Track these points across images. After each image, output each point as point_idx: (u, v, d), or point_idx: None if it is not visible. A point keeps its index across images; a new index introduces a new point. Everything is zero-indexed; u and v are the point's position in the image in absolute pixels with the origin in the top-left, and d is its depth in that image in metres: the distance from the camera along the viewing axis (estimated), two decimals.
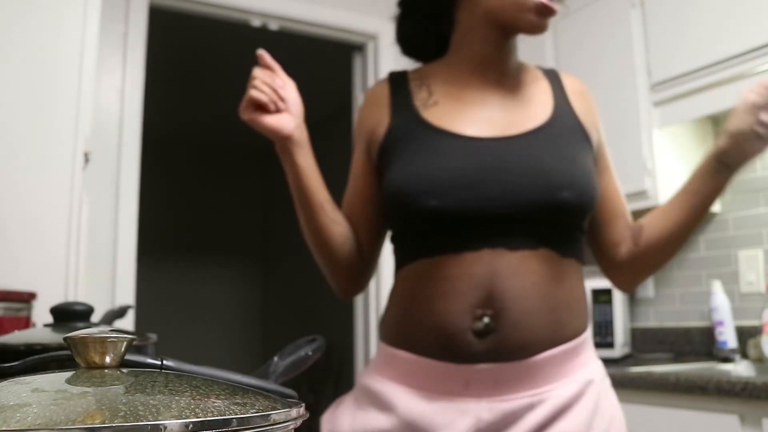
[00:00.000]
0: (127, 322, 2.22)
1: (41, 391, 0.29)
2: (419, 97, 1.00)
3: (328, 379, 4.92)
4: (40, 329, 0.62)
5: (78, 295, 1.35)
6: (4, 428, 0.25)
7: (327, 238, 0.98)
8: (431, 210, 0.88)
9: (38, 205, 1.33)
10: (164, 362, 0.40)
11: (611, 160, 1.08)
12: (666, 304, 2.47)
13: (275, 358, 0.51)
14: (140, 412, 0.27)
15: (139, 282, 2.43)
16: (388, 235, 1.04)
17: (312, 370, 4.63)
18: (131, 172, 2.36)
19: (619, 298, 2.33)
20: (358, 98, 2.94)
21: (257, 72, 0.91)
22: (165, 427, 0.26)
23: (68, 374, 0.32)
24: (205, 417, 0.28)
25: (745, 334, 2.14)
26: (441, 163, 0.91)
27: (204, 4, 2.60)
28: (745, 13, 1.92)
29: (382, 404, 0.92)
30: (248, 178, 6.08)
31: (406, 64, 1.11)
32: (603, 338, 2.32)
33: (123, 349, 0.34)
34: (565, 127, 0.97)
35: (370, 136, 1.02)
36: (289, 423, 0.31)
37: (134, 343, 0.35)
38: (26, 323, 1.11)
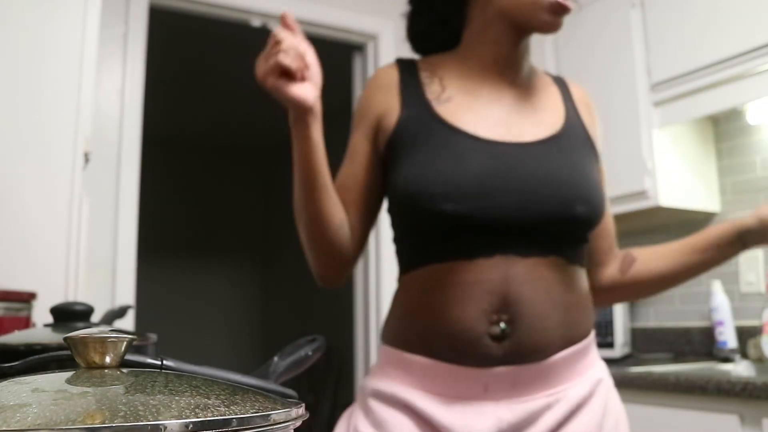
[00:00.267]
0: (127, 322, 2.22)
1: (41, 391, 0.29)
2: (432, 90, 0.97)
3: (328, 379, 4.92)
4: (40, 329, 0.62)
5: (78, 295, 1.35)
6: (4, 428, 0.25)
7: (327, 221, 0.93)
8: (448, 214, 0.87)
9: (38, 205, 1.33)
10: (164, 362, 0.40)
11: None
12: (666, 304, 2.47)
13: (275, 358, 0.51)
14: (140, 412, 0.27)
15: (139, 282, 2.43)
16: (389, 236, 1.02)
17: (312, 370, 4.63)
18: (131, 172, 2.36)
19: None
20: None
21: (284, 35, 0.82)
22: (165, 427, 0.26)
23: (68, 374, 0.32)
24: (205, 417, 0.28)
25: (745, 334, 2.14)
26: (460, 166, 0.88)
27: (204, 4, 2.60)
28: (745, 13, 1.92)
29: (401, 406, 0.90)
30: (248, 178, 6.08)
31: None
32: (603, 338, 2.32)
33: (123, 349, 0.34)
34: (577, 138, 0.97)
35: (376, 122, 0.98)
36: (289, 423, 0.31)
37: (134, 343, 0.35)
38: (26, 323, 1.11)
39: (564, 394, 0.90)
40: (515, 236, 0.88)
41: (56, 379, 0.31)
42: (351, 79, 3.04)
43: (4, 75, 1.34)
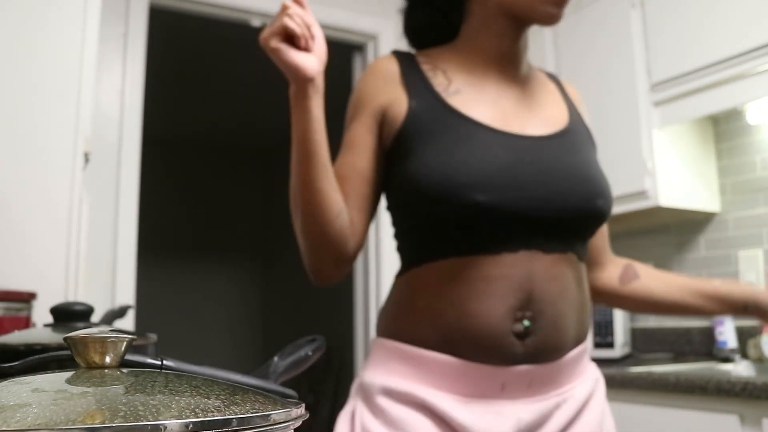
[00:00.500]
0: (127, 322, 2.22)
1: (41, 391, 0.29)
2: (438, 83, 0.94)
3: (328, 379, 4.93)
4: (40, 329, 0.62)
5: (78, 295, 1.35)
6: (4, 428, 0.25)
7: (324, 206, 0.87)
8: (477, 206, 0.83)
9: (38, 205, 1.33)
10: (164, 362, 0.40)
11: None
12: None
13: (275, 358, 0.51)
14: (140, 412, 0.27)
15: (139, 282, 2.43)
16: (390, 232, 1.00)
17: (312, 370, 4.63)
18: (131, 172, 2.36)
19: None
20: None
21: (290, 3, 0.82)
22: (165, 427, 0.26)
23: (68, 374, 0.32)
24: (205, 417, 0.28)
25: (745, 334, 2.14)
26: (487, 156, 0.85)
27: (204, 4, 2.60)
28: (745, 13, 1.92)
29: (417, 405, 0.86)
30: (248, 178, 6.09)
31: None
32: (603, 338, 2.32)
33: (123, 349, 0.34)
34: (582, 134, 0.97)
35: (381, 114, 0.94)
36: (289, 423, 0.31)
37: (134, 343, 0.35)
38: (26, 323, 1.11)
39: (571, 393, 0.90)
40: (540, 230, 0.86)
41: (56, 379, 0.31)
42: (351, 79, 3.04)
43: (4, 75, 1.34)
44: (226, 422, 0.28)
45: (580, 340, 0.92)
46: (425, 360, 0.87)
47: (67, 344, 0.33)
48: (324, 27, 0.72)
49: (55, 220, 1.34)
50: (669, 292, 1.04)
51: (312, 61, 0.83)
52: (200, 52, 4.06)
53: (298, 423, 0.32)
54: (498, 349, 0.84)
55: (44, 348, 0.51)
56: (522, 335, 0.85)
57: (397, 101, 0.93)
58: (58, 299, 1.26)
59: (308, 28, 0.82)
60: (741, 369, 2.01)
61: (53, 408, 0.26)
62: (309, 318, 5.30)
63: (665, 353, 2.41)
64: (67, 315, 0.63)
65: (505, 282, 0.85)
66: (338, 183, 0.92)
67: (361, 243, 0.96)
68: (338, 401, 4.80)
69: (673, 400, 1.70)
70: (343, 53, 3.04)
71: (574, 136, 0.95)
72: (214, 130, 5.52)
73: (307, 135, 0.85)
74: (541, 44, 2.56)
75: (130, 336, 0.34)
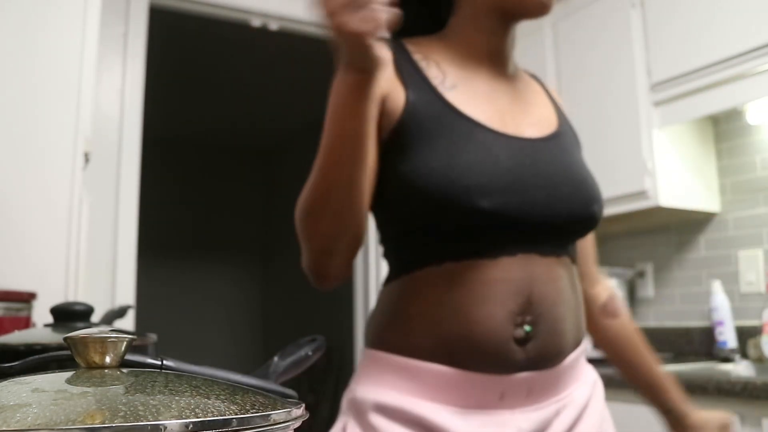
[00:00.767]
0: (127, 322, 2.22)
1: (41, 391, 0.29)
2: (432, 76, 0.90)
3: (328, 379, 4.93)
4: (40, 329, 0.62)
5: (78, 295, 1.35)
6: (4, 428, 0.25)
7: (362, 208, 0.81)
8: (481, 210, 0.80)
9: (38, 205, 1.33)
10: (164, 362, 0.40)
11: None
12: (666, 304, 2.47)
13: (275, 358, 0.51)
14: (140, 412, 0.27)
15: (139, 282, 2.43)
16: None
17: (312, 370, 4.63)
18: (131, 172, 2.36)
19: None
20: None
21: None
22: (165, 427, 0.26)
23: (68, 374, 0.32)
24: (205, 417, 0.28)
25: (745, 334, 2.14)
26: (489, 158, 0.83)
27: (204, 4, 2.60)
28: (745, 13, 1.92)
29: (413, 422, 0.82)
30: (249, 178, 6.08)
31: None
32: None
33: (123, 349, 0.34)
34: (571, 136, 0.97)
35: (381, 103, 0.88)
36: (289, 423, 0.31)
37: (134, 343, 0.35)
38: (26, 323, 1.11)
39: (570, 398, 0.89)
40: (539, 234, 0.85)
41: (56, 379, 0.31)
42: None
43: (4, 75, 1.34)
44: (226, 422, 0.28)
45: (577, 343, 0.91)
46: (419, 371, 0.83)
47: (67, 344, 0.33)
48: (324, 27, 0.71)
49: (55, 220, 1.34)
50: (629, 360, 1.09)
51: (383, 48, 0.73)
52: (200, 52, 4.06)
53: (298, 423, 0.32)
54: (498, 356, 0.82)
55: (44, 348, 0.52)
56: (523, 341, 0.83)
57: (394, 91, 0.88)
58: (58, 299, 1.26)
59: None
60: (741, 369, 2.01)
61: (53, 408, 0.26)
62: (309, 318, 5.30)
63: (665, 353, 2.41)
64: (67, 315, 0.63)
65: (505, 286, 0.83)
66: None
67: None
68: (338, 401, 4.79)
69: None
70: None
71: (565, 138, 0.94)
72: (214, 130, 5.52)
73: (361, 130, 0.77)
74: (541, 44, 2.56)
75: (130, 336, 0.34)
